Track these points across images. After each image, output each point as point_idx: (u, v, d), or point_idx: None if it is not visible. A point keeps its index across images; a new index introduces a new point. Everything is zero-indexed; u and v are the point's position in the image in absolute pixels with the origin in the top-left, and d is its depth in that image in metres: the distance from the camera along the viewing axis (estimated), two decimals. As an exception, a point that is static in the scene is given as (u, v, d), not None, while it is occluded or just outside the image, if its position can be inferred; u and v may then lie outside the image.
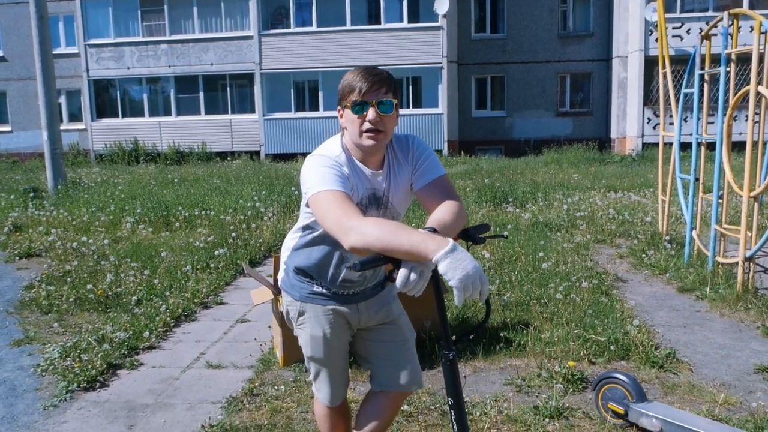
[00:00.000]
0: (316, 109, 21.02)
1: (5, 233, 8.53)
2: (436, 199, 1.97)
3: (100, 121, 22.23)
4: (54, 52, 12.32)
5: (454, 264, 1.54)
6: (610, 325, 4.26)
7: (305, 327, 2.24)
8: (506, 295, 5.07)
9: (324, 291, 2.20)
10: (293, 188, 10.94)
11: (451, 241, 1.60)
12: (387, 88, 1.91)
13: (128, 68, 21.73)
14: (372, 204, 2.05)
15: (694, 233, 6.03)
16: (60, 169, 12.15)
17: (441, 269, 1.56)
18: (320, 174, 1.88)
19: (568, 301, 4.82)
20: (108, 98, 22.50)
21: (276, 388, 3.60)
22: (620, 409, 2.89)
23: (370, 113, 1.89)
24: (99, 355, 4.14)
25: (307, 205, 1.97)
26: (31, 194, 11.40)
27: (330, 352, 2.23)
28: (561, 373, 3.52)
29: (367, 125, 1.90)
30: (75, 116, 23.61)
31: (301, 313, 2.24)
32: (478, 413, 3.19)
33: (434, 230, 1.75)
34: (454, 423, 1.90)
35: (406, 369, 2.24)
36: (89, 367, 3.97)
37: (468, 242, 1.80)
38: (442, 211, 1.88)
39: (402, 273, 1.62)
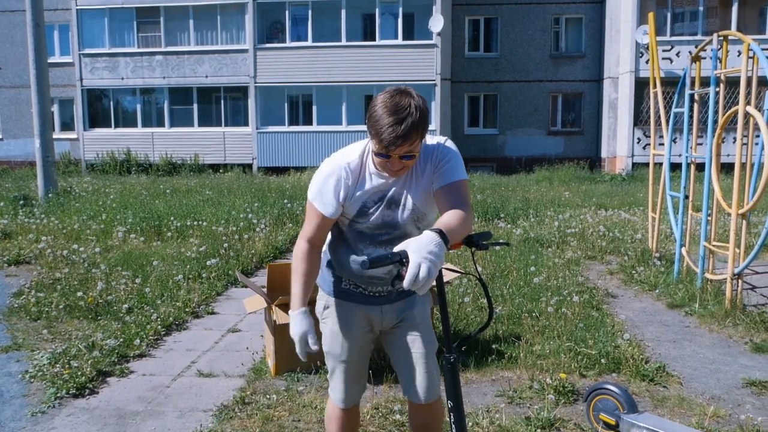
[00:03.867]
0: (310, 123, 21.09)
1: (-6, 240, 8.47)
2: (447, 202, 2.00)
3: (92, 131, 22.17)
4: (48, 61, 12.33)
5: (292, 322, 2.11)
6: (601, 339, 4.28)
7: (327, 321, 2.31)
8: (498, 308, 5.09)
9: (351, 289, 2.26)
10: (286, 201, 10.95)
11: (299, 308, 2.10)
12: (412, 141, 1.90)
13: (122, 78, 21.74)
14: (385, 205, 2.10)
15: (684, 250, 6.09)
16: (51, 177, 12.10)
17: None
18: (320, 187, 2.09)
19: (559, 315, 4.85)
20: (101, 108, 22.47)
21: (268, 397, 3.59)
22: (611, 420, 2.91)
23: (392, 164, 1.98)
24: (89, 361, 4.11)
25: None
26: (21, 202, 11.32)
27: (347, 349, 2.27)
28: (552, 385, 3.54)
29: (388, 168, 2.01)
30: (67, 125, 23.54)
31: (326, 307, 2.32)
32: (470, 424, 3.19)
33: (440, 231, 1.76)
34: (453, 426, 1.91)
35: (420, 380, 2.22)
36: (78, 373, 3.94)
37: (472, 248, 1.83)
38: (450, 217, 1.91)
39: (410, 271, 1.64)
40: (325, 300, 2.32)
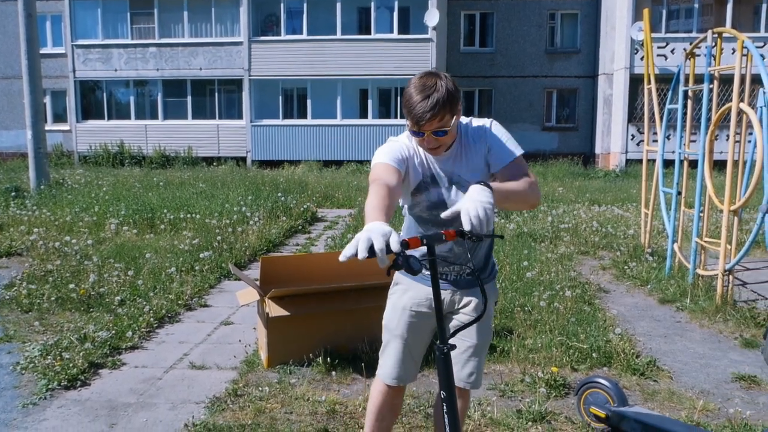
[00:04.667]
0: (305, 116, 21.04)
1: (-15, 232, 8.43)
2: (508, 179, 2.08)
3: (85, 123, 22.05)
4: (40, 52, 12.24)
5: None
6: (593, 333, 4.31)
7: (393, 295, 2.38)
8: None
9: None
10: (279, 194, 10.93)
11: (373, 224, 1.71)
12: (441, 116, 1.99)
13: (116, 70, 21.61)
14: (437, 183, 2.19)
15: (676, 246, 6.12)
16: (43, 169, 12.03)
17: None
18: (382, 150, 2.16)
19: (551, 310, 4.87)
20: (94, 100, 22.34)
21: (260, 389, 3.60)
22: (602, 413, 2.93)
23: (427, 141, 2.06)
24: (80, 353, 4.10)
25: None
26: (13, 194, 11.26)
27: (402, 324, 2.30)
28: (544, 379, 3.56)
29: (424, 146, 2.10)
30: (60, 117, 23.39)
31: (395, 283, 2.38)
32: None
33: (483, 182, 1.86)
34: (446, 416, 1.92)
35: (465, 366, 2.26)
36: (70, 365, 3.93)
37: (465, 239, 1.83)
38: (509, 181, 2.02)
39: (463, 216, 1.71)
40: (396, 277, 2.38)
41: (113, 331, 4.55)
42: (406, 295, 2.31)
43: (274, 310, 3.82)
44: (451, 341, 2.00)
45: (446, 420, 1.93)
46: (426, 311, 2.28)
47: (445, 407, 1.93)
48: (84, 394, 3.66)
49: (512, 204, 2.02)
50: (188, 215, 9.00)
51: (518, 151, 2.17)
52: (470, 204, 1.72)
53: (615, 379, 3.04)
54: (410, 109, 1.99)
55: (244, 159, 21.13)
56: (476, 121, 2.21)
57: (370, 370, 3.82)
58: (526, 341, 4.23)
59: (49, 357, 4.08)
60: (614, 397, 2.92)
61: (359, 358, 3.92)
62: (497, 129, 2.20)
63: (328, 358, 3.87)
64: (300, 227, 9.44)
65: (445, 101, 1.97)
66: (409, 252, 1.74)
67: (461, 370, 2.25)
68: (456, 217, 1.79)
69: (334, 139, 20.73)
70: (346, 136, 20.72)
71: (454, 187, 2.18)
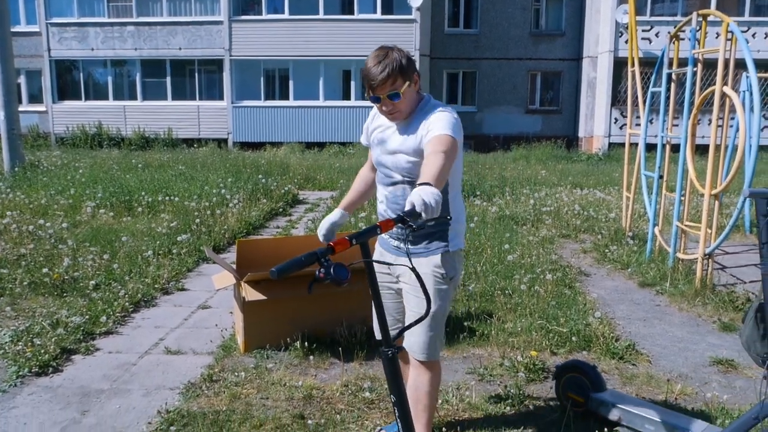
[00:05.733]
0: (287, 98, 20.79)
1: (-43, 215, 8.22)
2: (426, 151, 2.17)
3: (61, 104, 21.59)
4: (13, 30, 11.90)
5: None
6: (573, 317, 4.30)
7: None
8: (471, 285, 5.08)
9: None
10: (260, 176, 10.79)
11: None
12: (392, 80, 2.21)
13: (92, 49, 21.13)
14: (379, 147, 2.46)
15: (657, 230, 6.13)
16: (17, 151, 11.76)
17: None
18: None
19: (531, 293, 4.85)
20: (71, 80, 21.85)
21: (236, 374, 3.54)
22: (580, 398, 2.91)
23: (384, 104, 2.28)
24: (53, 339, 4.01)
25: None
26: (-13, 176, 11.02)
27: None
28: (523, 363, 3.53)
29: (383, 111, 2.33)
30: (35, 98, 22.85)
31: None
32: (440, 401, 3.17)
33: (428, 183, 1.87)
34: (399, 420, 1.87)
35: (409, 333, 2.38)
36: (42, 351, 3.84)
37: (406, 228, 1.73)
38: (427, 167, 2.04)
39: (409, 203, 1.78)
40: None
41: (87, 316, 4.46)
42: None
43: (251, 294, 3.75)
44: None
45: (399, 425, 1.88)
46: (383, 273, 2.50)
47: (396, 411, 1.88)
48: (56, 381, 3.58)
49: (443, 182, 2.06)
50: (167, 198, 8.85)
51: (448, 132, 2.21)
52: (416, 195, 1.78)
53: (593, 364, 3.02)
54: (365, 75, 2.23)
55: (225, 141, 20.86)
56: (437, 105, 2.37)
57: (348, 354, 3.78)
58: (505, 325, 4.21)
59: (20, 343, 3.98)
60: (593, 382, 2.90)
61: (337, 343, 3.87)
62: (445, 110, 2.31)
63: (306, 343, 3.82)
64: (281, 209, 9.33)
65: (394, 66, 2.20)
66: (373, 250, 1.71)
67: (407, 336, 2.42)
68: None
69: (316, 120, 20.53)
70: (328, 117, 20.53)
71: (393, 153, 2.38)
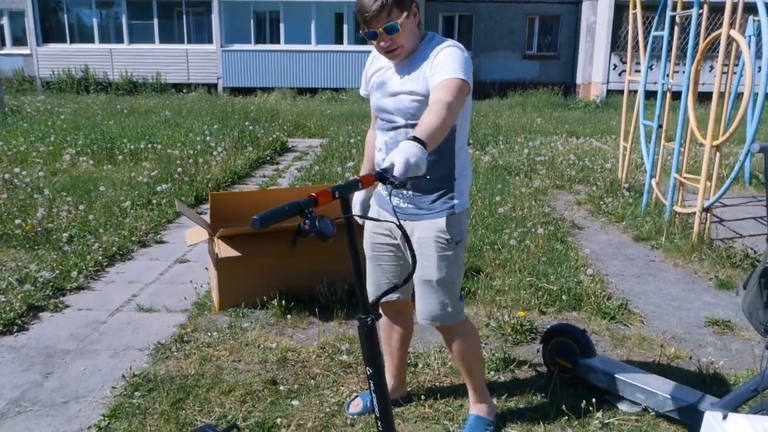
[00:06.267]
0: (278, 41, 20.12)
1: (-68, 162, 7.94)
2: (432, 98, 1.93)
3: (46, 46, 20.86)
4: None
5: None
6: (564, 274, 4.12)
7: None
8: (460, 240, 4.88)
9: None
10: (248, 123, 10.46)
11: None
12: (388, 11, 1.97)
13: (76, -11, 20.30)
14: (379, 90, 2.21)
15: (654, 181, 5.91)
16: (-3, 95, 11.38)
17: None
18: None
19: (522, 248, 4.67)
20: (56, 21, 21.05)
21: (209, 334, 3.37)
22: (568, 364, 2.75)
23: (381, 39, 2.04)
24: (19, 296, 3.82)
25: None
26: (-34, 121, 10.67)
27: (367, 247, 2.46)
28: (510, 323, 3.37)
29: (381, 47, 2.08)
30: (19, 40, 22.07)
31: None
32: (421, 365, 3.02)
33: (416, 138, 1.64)
34: (374, 394, 1.70)
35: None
36: (7, 309, 3.66)
37: (387, 185, 1.54)
38: (426, 117, 1.79)
39: (389, 162, 1.59)
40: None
41: (58, 271, 4.27)
42: (369, 213, 2.44)
43: (224, 250, 3.55)
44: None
45: (374, 399, 1.70)
46: (380, 234, 2.34)
47: (371, 385, 1.70)
48: (20, 340, 3.41)
49: (442, 136, 1.80)
50: (150, 145, 8.56)
51: (456, 75, 1.96)
52: (398, 152, 1.58)
53: (582, 328, 2.84)
54: (359, 8, 2.01)
55: (215, 86, 20.30)
56: (443, 41, 2.12)
57: (327, 313, 3.61)
58: (493, 282, 4.03)
59: (-16, 299, 3.80)
60: (581, 347, 2.73)
61: (317, 301, 3.70)
62: (454, 51, 2.03)
63: (283, 301, 3.64)
64: (268, 158, 9.06)
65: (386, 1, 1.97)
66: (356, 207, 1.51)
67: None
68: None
69: (308, 65, 19.94)
70: (320, 62, 19.93)
71: (393, 95, 2.16)
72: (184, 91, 19.67)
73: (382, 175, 1.56)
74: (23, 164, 7.75)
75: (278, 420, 2.54)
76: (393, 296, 2.40)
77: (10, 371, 3.07)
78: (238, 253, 3.56)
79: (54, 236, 5.00)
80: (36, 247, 4.82)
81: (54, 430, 2.57)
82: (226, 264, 3.58)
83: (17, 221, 5.25)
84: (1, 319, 3.55)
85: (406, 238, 1.65)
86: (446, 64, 1.98)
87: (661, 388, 2.49)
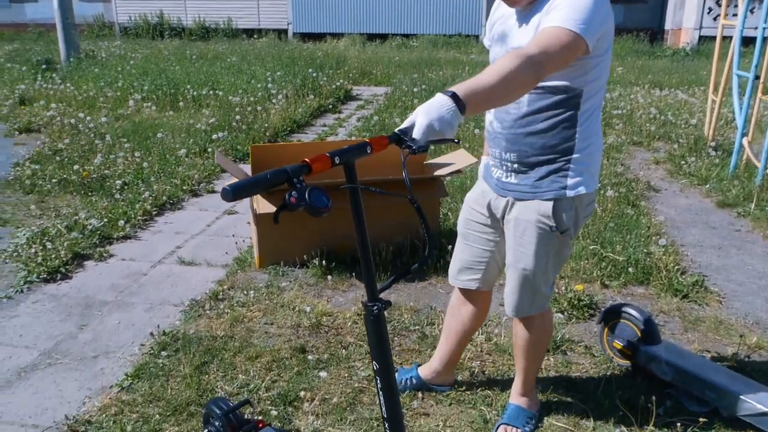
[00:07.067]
0: (349, -15, 19.58)
1: (9, 106, 8.19)
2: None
3: (124, -8, 21.20)
4: None
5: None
6: (632, 243, 3.72)
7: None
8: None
9: None
10: (311, 70, 10.23)
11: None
12: None
13: (151, -66, 20.36)
14: (499, 44, 1.88)
15: (745, 140, 5.29)
16: (73, 41, 11.58)
17: None
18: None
19: (588, 212, 4.27)
20: (132, -33, 21.29)
21: (245, 293, 3.24)
22: (628, 350, 2.44)
23: None
24: (66, 244, 3.82)
25: None
26: (44, 66, 10.96)
27: (461, 221, 2.22)
28: (566, 297, 3.05)
29: None
30: (99, -15, 22.55)
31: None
32: (463, 338, 2.78)
33: (453, 94, 1.31)
34: (381, 393, 1.47)
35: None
36: (53, 256, 3.67)
37: (403, 149, 1.28)
38: (487, 70, 1.42)
39: (407, 124, 1.33)
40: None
41: (106, 219, 4.25)
42: (474, 187, 2.14)
43: (263, 206, 3.38)
44: None
45: (381, 397, 1.48)
46: (478, 212, 2.07)
47: (379, 382, 1.47)
48: (62, 289, 3.41)
49: (500, 100, 1.45)
50: (212, 92, 8.50)
51: (564, 24, 1.56)
52: (423, 112, 1.29)
53: (647, 311, 2.51)
54: None
55: (285, 32, 20.11)
56: None
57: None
58: (553, 249, 3.69)
59: (34, 246, 3.82)
60: (644, 332, 2.40)
61: (359, 262, 3.49)
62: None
63: (324, 261, 3.46)
64: (330, 106, 8.82)
65: None
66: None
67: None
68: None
69: (383, 11, 19.32)
70: (393, 6, 19.29)
71: (507, 49, 1.79)
72: (255, 36, 19.60)
73: (400, 137, 1.30)
74: (91, 109, 7.87)
75: (302, 393, 2.38)
76: (473, 284, 2.15)
77: (48, 320, 3.06)
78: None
79: (108, 183, 5.01)
80: (90, 194, 4.85)
81: (79, 385, 2.52)
82: (266, 220, 3.42)
83: (75, 167, 5.30)
84: (46, 266, 3.56)
85: (418, 211, 1.35)
86: (561, 8, 1.59)
87: (737, 386, 2.15)
